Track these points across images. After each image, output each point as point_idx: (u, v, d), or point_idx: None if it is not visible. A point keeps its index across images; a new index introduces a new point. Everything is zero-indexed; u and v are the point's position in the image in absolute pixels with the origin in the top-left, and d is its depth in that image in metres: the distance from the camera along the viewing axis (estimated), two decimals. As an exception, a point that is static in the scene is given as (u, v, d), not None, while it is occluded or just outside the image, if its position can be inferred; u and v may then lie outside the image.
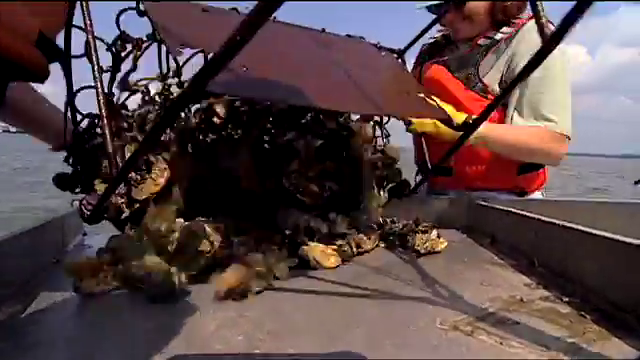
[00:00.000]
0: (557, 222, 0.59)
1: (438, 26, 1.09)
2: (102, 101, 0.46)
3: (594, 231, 0.51)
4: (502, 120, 0.98)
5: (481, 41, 1.00)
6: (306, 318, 0.43)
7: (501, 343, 0.37)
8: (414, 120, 0.88)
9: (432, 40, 1.14)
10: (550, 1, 0.37)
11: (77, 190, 0.64)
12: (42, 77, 0.35)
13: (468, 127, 0.61)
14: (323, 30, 0.68)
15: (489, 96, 0.96)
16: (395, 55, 0.77)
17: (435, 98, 0.64)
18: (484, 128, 0.85)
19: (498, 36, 0.98)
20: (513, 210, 0.74)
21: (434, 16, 0.77)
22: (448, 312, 0.45)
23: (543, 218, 0.63)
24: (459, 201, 0.95)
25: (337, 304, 0.48)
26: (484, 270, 0.62)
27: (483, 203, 0.87)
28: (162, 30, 0.46)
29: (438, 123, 0.86)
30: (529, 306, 0.47)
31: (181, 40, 0.43)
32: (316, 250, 0.63)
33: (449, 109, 0.82)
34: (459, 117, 0.72)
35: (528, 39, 0.94)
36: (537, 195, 1.08)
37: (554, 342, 0.37)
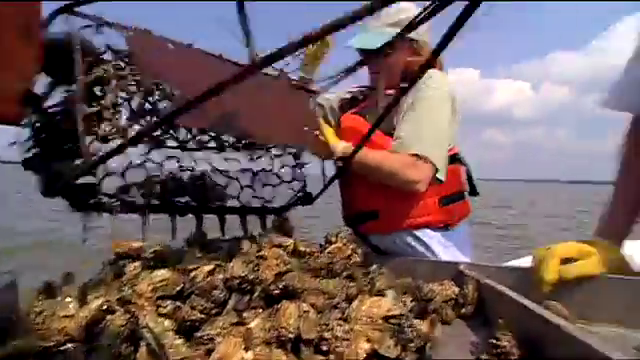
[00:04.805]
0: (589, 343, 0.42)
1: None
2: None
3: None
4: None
5: (390, 91, 1.07)
6: None
7: None
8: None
9: (350, 95, 1.23)
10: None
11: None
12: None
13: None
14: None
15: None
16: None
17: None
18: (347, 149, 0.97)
19: (404, 85, 1.05)
20: (514, 297, 0.60)
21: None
22: None
23: (557, 322, 0.49)
24: (446, 268, 0.84)
25: None
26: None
27: (474, 275, 0.77)
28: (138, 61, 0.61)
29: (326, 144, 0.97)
30: None
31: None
32: None
33: (330, 132, 0.98)
34: (336, 142, 0.95)
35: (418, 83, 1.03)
36: (462, 226, 1.10)
37: None
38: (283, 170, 0.98)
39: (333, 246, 0.65)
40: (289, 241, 0.69)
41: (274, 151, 0.96)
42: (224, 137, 0.89)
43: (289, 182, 0.98)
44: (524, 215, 11.28)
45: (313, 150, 0.97)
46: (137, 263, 0.61)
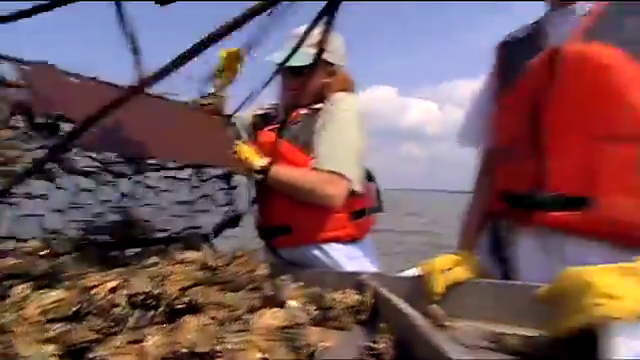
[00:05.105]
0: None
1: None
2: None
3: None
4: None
5: (304, 111, 1.14)
6: None
7: None
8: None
9: (262, 112, 1.29)
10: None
11: None
12: None
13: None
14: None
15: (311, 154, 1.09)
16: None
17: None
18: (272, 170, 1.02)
19: (317, 105, 1.14)
20: (397, 303, 0.68)
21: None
22: None
23: (419, 323, 0.56)
24: (350, 278, 0.92)
25: None
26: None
27: (372, 284, 0.84)
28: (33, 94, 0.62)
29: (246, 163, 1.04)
30: None
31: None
32: None
33: (248, 149, 1.04)
34: (256, 158, 1.02)
35: (327, 104, 1.12)
36: (368, 238, 1.19)
37: None
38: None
39: (238, 260, 0.68)
40: (196, 255, 0.70)
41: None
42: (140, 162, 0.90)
43: (223, 206, 1.03)
44: (434, 223, 12.32)
45: (233, 169, 1.02)
46: (26, 284, 0.57)
